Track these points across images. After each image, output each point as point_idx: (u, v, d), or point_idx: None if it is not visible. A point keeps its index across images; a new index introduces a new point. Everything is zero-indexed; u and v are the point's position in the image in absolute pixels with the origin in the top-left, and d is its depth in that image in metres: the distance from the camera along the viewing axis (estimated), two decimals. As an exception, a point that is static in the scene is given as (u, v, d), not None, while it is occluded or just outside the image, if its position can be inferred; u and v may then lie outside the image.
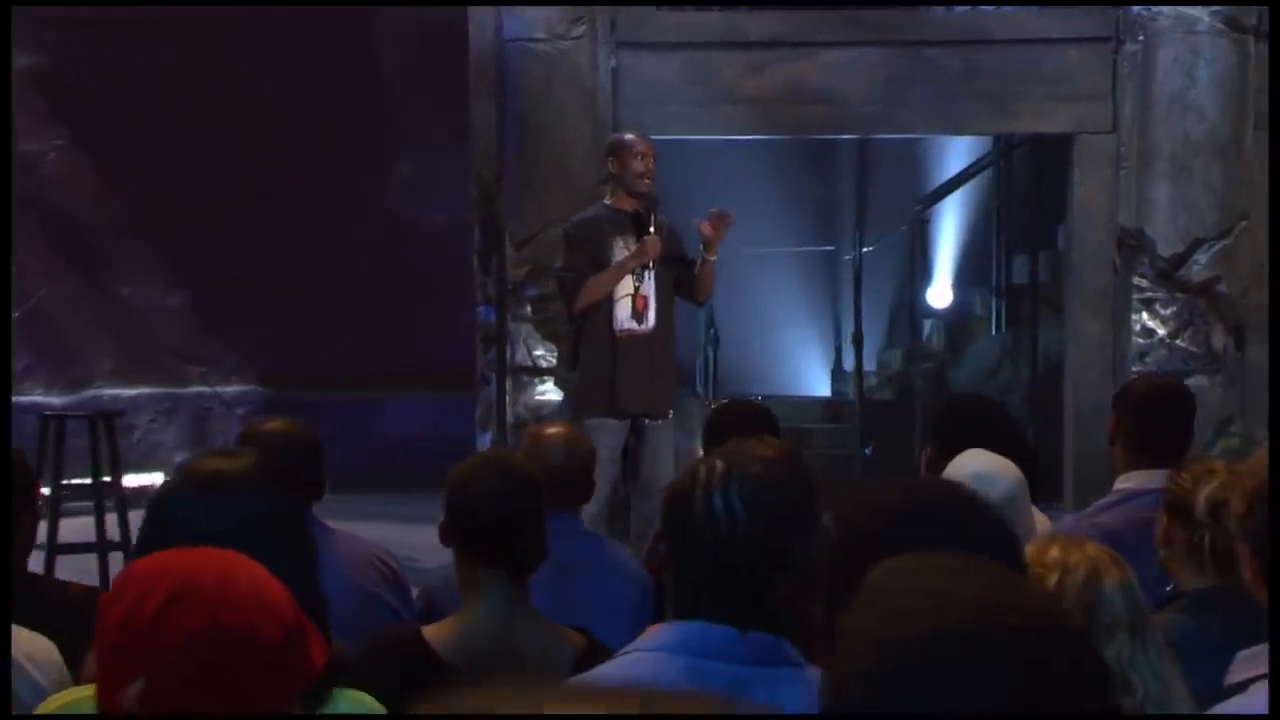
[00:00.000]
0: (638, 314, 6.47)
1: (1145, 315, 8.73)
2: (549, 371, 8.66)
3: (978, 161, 11.62)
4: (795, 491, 2.27)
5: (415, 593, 3.94)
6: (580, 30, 8.59)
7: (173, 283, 12.95)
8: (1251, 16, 8.70)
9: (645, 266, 6.49)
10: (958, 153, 11.82)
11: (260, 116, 12.42)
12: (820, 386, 12.55)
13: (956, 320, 11.95)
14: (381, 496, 11.80)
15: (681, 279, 6.71)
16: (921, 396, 11.38)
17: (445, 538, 3.08)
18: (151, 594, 1.77)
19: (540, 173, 8.60)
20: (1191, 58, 8.60)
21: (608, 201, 6.77)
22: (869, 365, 11.28)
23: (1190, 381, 8.68)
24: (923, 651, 1.04)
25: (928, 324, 12.18)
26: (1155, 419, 3.88)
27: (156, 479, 11.82)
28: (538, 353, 8.70)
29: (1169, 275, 8.66)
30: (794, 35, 8.71)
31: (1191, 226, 8.62)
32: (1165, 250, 8.62)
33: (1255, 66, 8.73)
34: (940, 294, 12.23)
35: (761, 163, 10.90)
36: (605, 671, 2.22)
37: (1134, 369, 8.75)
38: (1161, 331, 8.72)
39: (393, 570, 3.69)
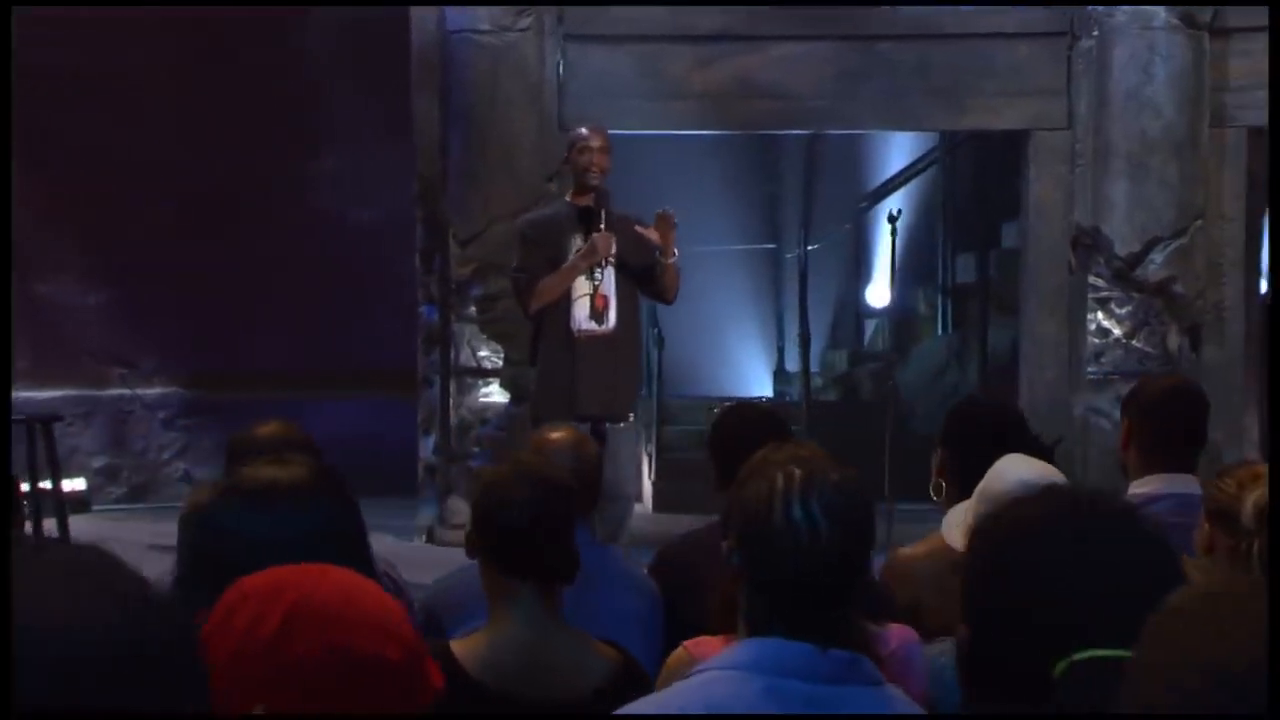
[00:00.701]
0: (597, 314, 6.37)
1: (1101, 315, 8.75)
2: (494, 373, 8.57)
3: (922, 158, 11.62)
4: (868, 500, 2.21)
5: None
6: (526, 22, 8.51)
7: (92, 281, 12.73)
8: (1206, 14, 8.74)
9: (600, 264, 6.39)
10: (903, 150, 11.82)
11: (183, 110, 12.23)
12: (762, 387, 12.51)
13: (902, 320, 11.95)
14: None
15: (645, 278, 6.62)
16: (867, 397, 11.37)
17: (472, 549, 2.99)
18: (267, 615, 1.68)
19: (486, 168, 8.50)
20: (1148, 54, 8.63)
21: (567, 198, 6.68)
22: (812, 366, 11.25)
23: (1146, 382, 8.72)
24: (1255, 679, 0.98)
25: (871, 324, 12.17)
26: (1169, 420, 3.83)
27: (78, 485, 11.60)
28: (482, 354, 8.60)
29: (1125, 275, 8.69)
30: (744, 29, 8.66)
31: (1148, 225, 8.64)
32: (1122, 249, 8.65)
33: (1210, 63, 8.77)
34: (883, 293, 12.22)
35: (707, 158, 10.85)
36: (680, 693, 2.14)
37: (1089, 369, 8.78)
38: (1117, 331, 8.74)
39: (396, 584, 3.59)
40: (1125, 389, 8.65)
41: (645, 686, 2.76)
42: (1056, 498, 1.59)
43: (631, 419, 6.55)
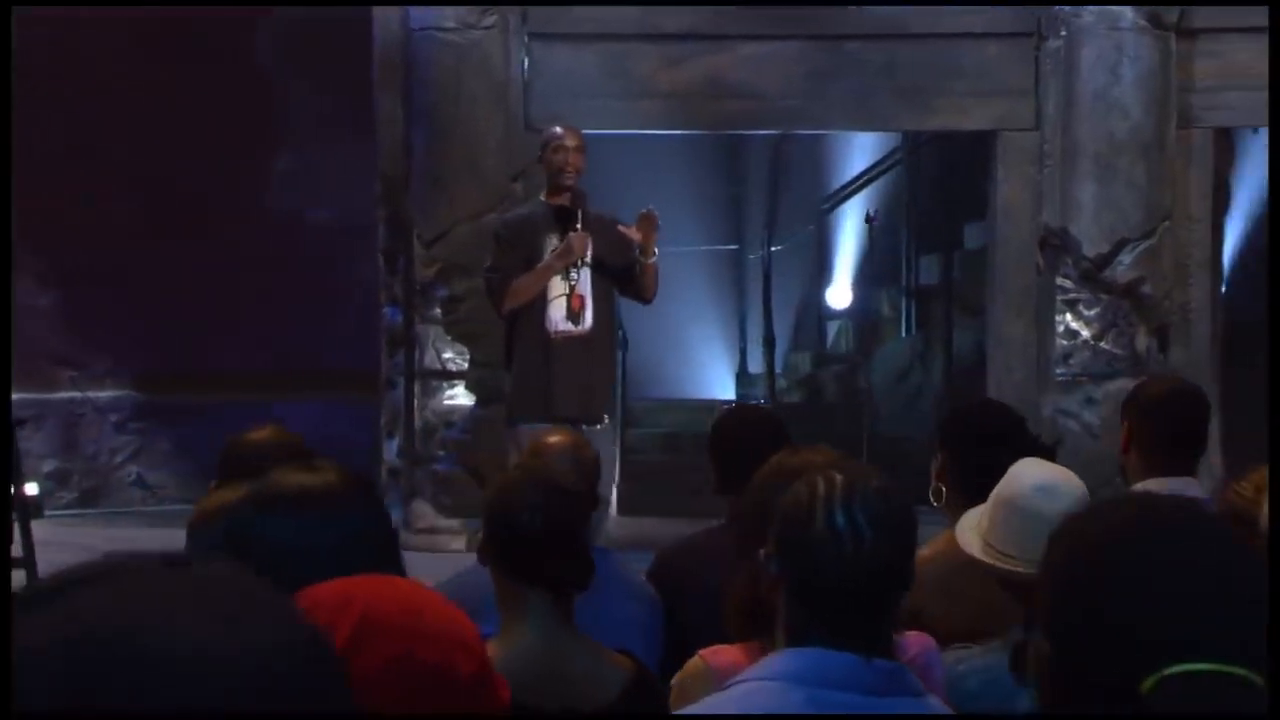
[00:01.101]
0: (573, 314, 6.35)
1: (1069, 316, 8.79)
2: (460, 375, 8.53)
3: (885, 159, 11.66)
4: (910, 506, 2.20)
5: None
6: (491, 20, 8.48)
7: (42, 281, 12.60)
8: (1173, 14, 8.79)
9: (576, 265, 6.37)
10: (866, 151, 11.85)
11: (138, 108, 12.13)
12: (724, 389, 12.52)
13: (865, 321, 11.97)
14: (266, 505, 11.59)
15: (624, 278, 6.60)
16: (831, 399, 11.39)
17: (484, 556, 2.95)
18: (337, 626, 1.65)
19: (450, 168, 8.47)
20: (1115, 54, 8.67)
21: (543, 197, 6.65)
22: (776, 367, 11.26)
23: (1115, 385, 8.78)
24: None
25: (834, 325, 12.19)
26: (1171, 422, 3.84)
27: (30, 490, 11.49)
28: (447, 356, 8.57)
29: (1093, 276, 8.72)
30: (711, 28, 8.66)
31: (1116, 226, 8.69)
32: (1090, 250, 8.69)
33: (1176, 64, 8.82)
34: (844, 294, 12.25)
35: (670, 158, 10.84)
36: (719, 704, 2.12)
37: (1058, 371, 8.81)
38: (1085, 333, 8.78)
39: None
40: (1094, 390, 8.78)
41: (660, 697, 2.74)
42: (1147, 504, 1.57)
43: (607, 421, 6.54)
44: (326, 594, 1.72)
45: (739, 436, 3.82)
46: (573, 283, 6.37)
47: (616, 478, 10.26)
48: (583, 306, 6.38)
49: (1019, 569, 2.78)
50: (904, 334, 11.50)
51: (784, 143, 11.55)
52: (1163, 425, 3.82)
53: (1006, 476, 2.92)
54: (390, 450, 8.80)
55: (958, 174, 10.86)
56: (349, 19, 10.73)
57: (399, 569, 1.99)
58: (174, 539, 10.34)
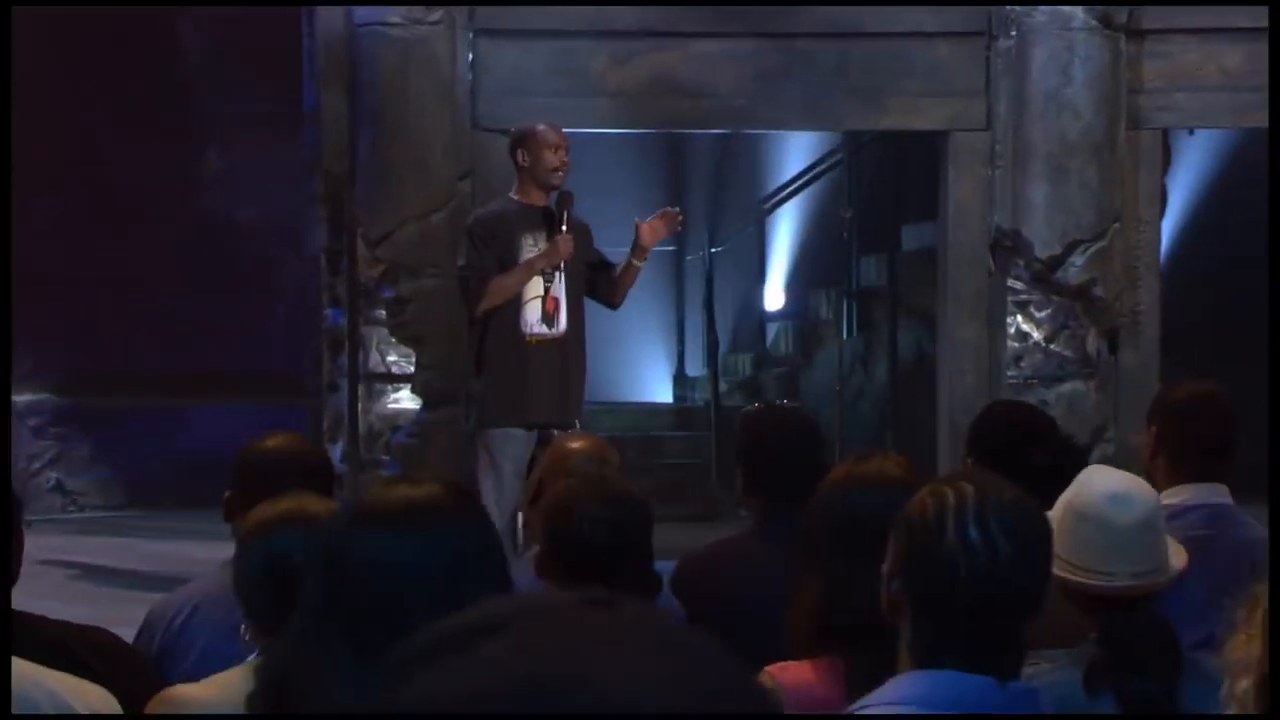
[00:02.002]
0: (548, 317, 6.30)
1: (1020, 319, 8.84)
2: (405, 378, 8.44)
3: (825, 159, 11.66)
4: (1046, 519, 2.15)
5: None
6: (437, 15, 8.40)
7: (-43, 282, 12.36)
8: (1123, 15, 8.86)
9: (556, 267, 6.32)
10: (806, 151, 11.85)
11: (60, 103, 11.93)
12: (662, 393, 12.49)
13: (805, 323, 11.98)
14: (189, 513, 11.42)
15: (598, 281, 6.56)
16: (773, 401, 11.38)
17: (544, 570, 2.89)
18: None
19: (396, 167, 8.39)
20: (1067, 55, 8.74)
21: (515, 195, 6.58)
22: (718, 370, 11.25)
23: (1066, 387, 8.84)
24: None
25: (773, 327, 12.20)
26: (1202, 426, 3.82)
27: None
28: (392, 358, 8.48)
29: (1045, 278, 8.78)
30: (662, 25, 8.65)
31: (1068, 228, 8.75)
32: (1042, 252, 8.74)
33: (1127, 65, 8.90)
34: (785, 296, 12.25)
35: (613, 157, 10.79)
36: None
37: (1009, 374, 8.85)
38: (1037, 335, 8.84)
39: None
40: (1046, 393, 8.82)
41: None
42: None
43: (579, 426, 6.49)
44: None
45: (771, 438, 3.77)
46: (549, 285, 6.32)
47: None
48: (557, 309, 6.34)
49: (1090, 580, 2.74)
50: (845, 336, 11.52)
51: (727, 142, 11.54)
52: (1194, 430, 3.81)
53: (1075, 484, 2.88)
54: (334, 455, 8.68)
55: (899, 175, 10.89)
56: (279, 12, 10.61)
57: (509, 583, 1.93)
58: (95, 547, 10.09)
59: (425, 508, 1.88)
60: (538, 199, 6.48)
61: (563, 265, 6.34)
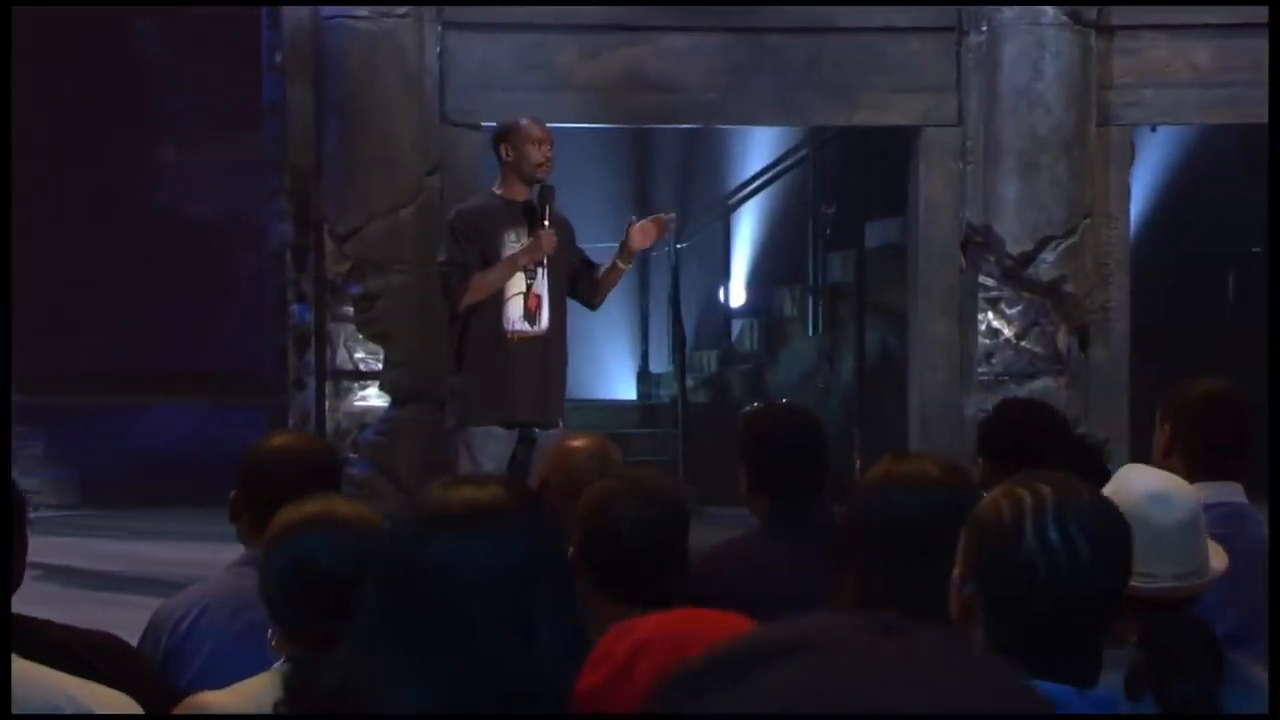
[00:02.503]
0: (530, 314, 6.26)
1: (991, 315, 8.85)
2: (372, 375, 8.38)
3: (789, 155, 11.65)
4: (1126, 521, 2.12)
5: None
6: (405, 8, 8.34)
7: (-96, 278, 12.21)
8: (1092, 11, 8.88)
9: (539, 263, 6.27)
10: (771, 146, 11.84)
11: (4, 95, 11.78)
12: (626, 390, 12.45)
13: (771, 320, 11.96)
14: (146, 512, 11.32)
15: (579, 279, 6.52)
16: (739, 399, 11.37)
17: (576, 572, 2.83)
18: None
19: (364, 161, 8.33)
20: (1037, 51, 8.76)
21: (498, 190, 6.53)
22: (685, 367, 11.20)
23: (1037, 384, 8.86)
24: None
25: (739, 324, 12.18)
26: (1218, 424, 3.81)
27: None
28: (359, 355, 8.42)
29: (1016, 274, 8.79)
30: (632, 19, 8.63)
31: (1039, 224, 8.77)
32: (1014, 248, 8.76)
33: (1097, 61, 8.92)
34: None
35: (579, 151, 10.75)
36: None
37: (980, 370, 8.86)
38: (1008, 332, 8.85)
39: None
40: (1017, 390, 8.83)
41: None
42: None
43: (561, 426, 6.45)
44: (655, 632, 1.62)
45: (775, 436, 3.74)
46: (531, 282, 6.28)
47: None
48: (539, 306, 6.30)
49: (1131, 582, 2.72)
50: (810, 333, 11.51)
51: (693, 137, 11.51)
52: (1209, 428, 3.79)
53: (1113, 483, 2.85)
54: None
55: (863, 171, 10.88)
56: (223, 6, 10.52)
57: (572, 593, 1.89)
58: (51, 548, 9.86)
59: (490, 510, 1.84)
60: (520, 194, 6.44)
61: (545, 261, 6.29)
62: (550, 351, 6.38)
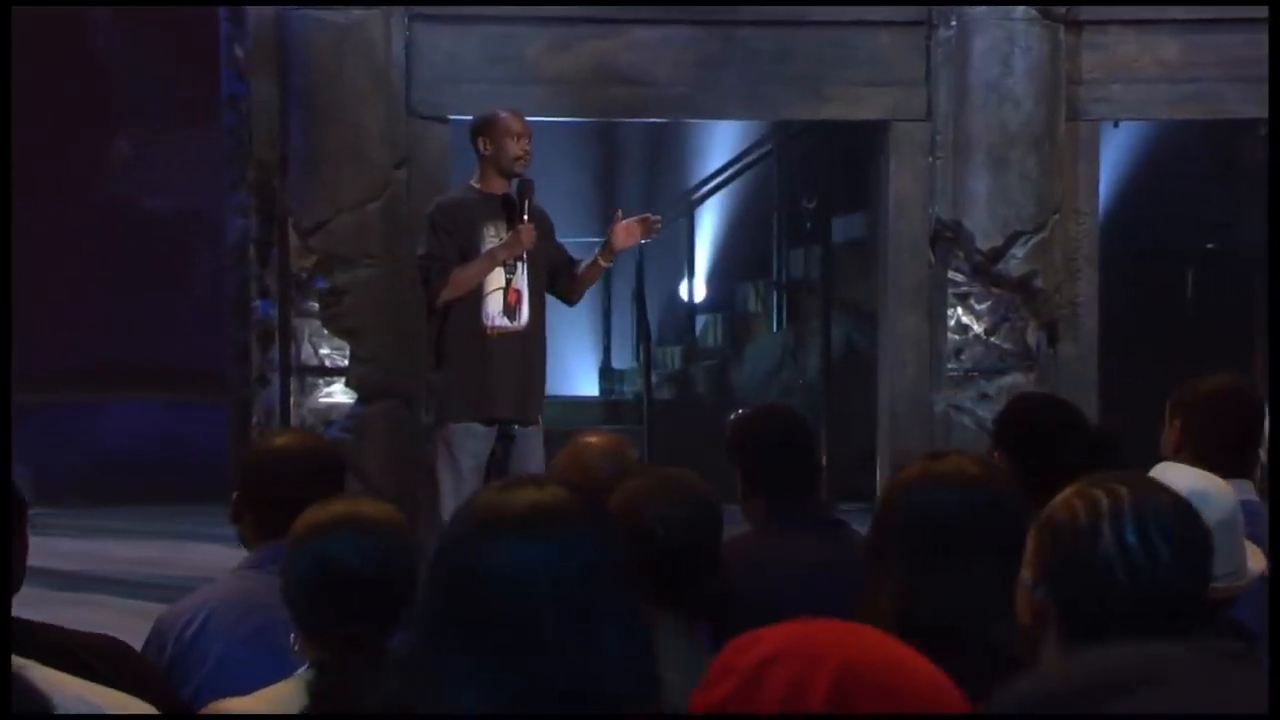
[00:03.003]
0: (510, 309, 6.20)
1: (960, 310, 8.84)
2: (339, 371, 8.30)
3: (754, 149, 11.62)
4: (1205, 523, 2.06)
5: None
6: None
7: None
8: (1062, 7, 8.87)
9: (518, 258, 6.21)
10: (735, 141, 11.80)
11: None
12: (588, 386, 12.39)
13: (734, 315, 11.93)
14: (100, 510, 11.20)
15: (559, 274, 6.46)
16: (704, 396, 11.35)
17: None
18: (812, 680, 1.48)
19: (330, 155, 8.25)
20: (1007, 45, 8.75)
21: (475, 184, 6.46)
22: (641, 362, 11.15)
23: (1007, 380, 8.86)
24: None
25: (702, 320, 12.14)
26: (1229, 421, 3.78)
27: None
28: (325, 351, 8.33)
29: (985, 269, 8.78)
30: (601, 12, 8.58)
31: (1009, 219, 8.77)
32: (984, 244, 8.75)
33: (1066, 56, 8.91)
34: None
35: (547, 144, 10.66)
36: None
37: (949, 366, 8.85)
38: (977, 328, 8.84)
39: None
40: (988, 386, 8.82)
41: None
42: None
43: (540, 423, 6.39)
44: (786, 643, 1.56)
45: (766, 439, 3.69)
46: (510, 276, 6.22)
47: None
48: (519, 302, 6.25)
49: None
50: (774, 329, 11.48)
51: (659, 131, 11.46)
52: (1220, 424, 3.77)
53: None
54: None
55: (828, 166, 10.85)
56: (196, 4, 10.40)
57: (635, 595, 1.83)
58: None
59: (553, 512, 1.78)
60: (499, 187, 6.38)
61: (525, 256, 6.23)
62: (530, 347, 6.32)
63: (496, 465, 6.21)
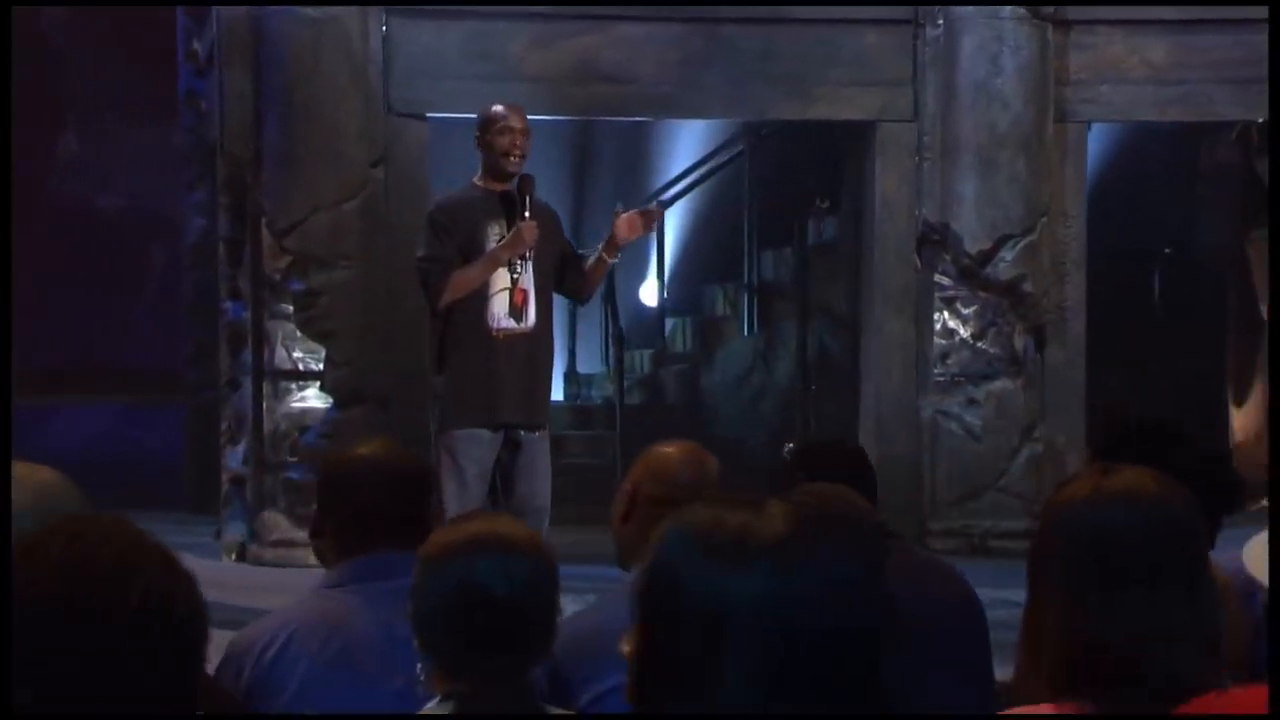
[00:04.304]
0: (517, 310, 6.02)
1: (947, 315, 8.73)
2: (313, 375, 8.10)
3: (724, 149, 11.47)
4: None
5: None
6: (348, -4, 8.07)
7: None
8: (1049, 5, 8.79)
9: (522, 256, 6.02)
10: (707, 139, 11.64)
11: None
12: (554, 390, 12.18)
13: (704, 319, 11.77)
14: (50, 516, 10.93)
15: (567, 272, 6.28)
16: (674, 400, 11.20)
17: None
18: None
19: (306, 153, 8.06)
20: (996, 45, 8.67)
21: (478, 182, 6.27)
22: (612, 366, 10.97)
23: (994, 386, 8.76)
24: None
25: (671, 323, 11.97)
26: None
27: None
28: (298, 355, 8.14)
29: (973, 273, 8.69)
30: (583, 9, 8.44)
31: (998, 222, 8.69)
32: (972, 247, 8.66)
33: (1054, 57, 8.83)
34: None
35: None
36: None
37: (936, 371, 8.75)
38: (964, 332, 8.75)
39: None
40: (975, 391, 8.71)
41: None
42: None
43: (547, 427, 6.21)
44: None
45: (831, 477, 3.49)
46: (516, 276, 6.03)
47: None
48: (525, 302, 6.07)
49: None
50: (745, 333, 11.33)
51: (637, 129, 11.29)
52: None
53: None
54: (235, 457, 8.32)
55: (802, 167, 10.72)
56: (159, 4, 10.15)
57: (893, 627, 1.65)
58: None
59: (769, 537, 1.60)
60: (499, 185, 6.18)
61: (529, 254, 6.05)
62: (537, 349, 6.15)
63: (503, 473, 6.03)
